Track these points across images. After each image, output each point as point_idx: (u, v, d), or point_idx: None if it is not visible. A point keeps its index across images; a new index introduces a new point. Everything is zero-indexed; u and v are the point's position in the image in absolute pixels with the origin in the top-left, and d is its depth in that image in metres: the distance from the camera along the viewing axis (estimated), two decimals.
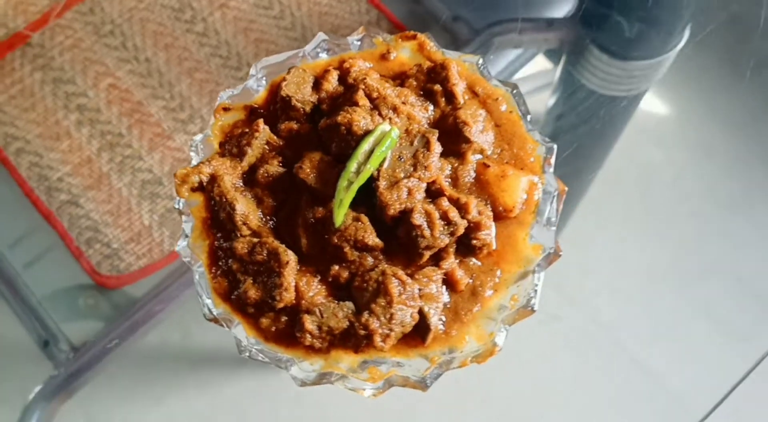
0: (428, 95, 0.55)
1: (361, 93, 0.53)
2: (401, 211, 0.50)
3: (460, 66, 0.57)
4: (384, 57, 0.58)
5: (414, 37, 0.58)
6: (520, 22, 0.92)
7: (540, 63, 1.01)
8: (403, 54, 0.58)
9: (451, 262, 0.52)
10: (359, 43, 0.59)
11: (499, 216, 0.54)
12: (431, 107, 0.55)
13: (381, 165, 0.51)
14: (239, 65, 0.91)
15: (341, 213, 0.50)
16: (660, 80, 0.95)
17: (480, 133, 0.54)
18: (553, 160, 0.56)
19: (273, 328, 0.52)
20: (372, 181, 0.51)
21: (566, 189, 0.56)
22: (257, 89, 0.57)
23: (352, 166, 0.50)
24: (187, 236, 0.54)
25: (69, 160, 0.88)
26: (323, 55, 0.59)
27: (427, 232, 0.50)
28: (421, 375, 0.52)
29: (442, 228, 0.50)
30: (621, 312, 0.89)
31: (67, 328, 0.84)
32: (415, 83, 0.56)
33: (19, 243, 0.87)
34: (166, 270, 0.86)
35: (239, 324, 0.52)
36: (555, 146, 0.56)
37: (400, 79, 0.57)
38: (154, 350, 0.86)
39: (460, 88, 0.55)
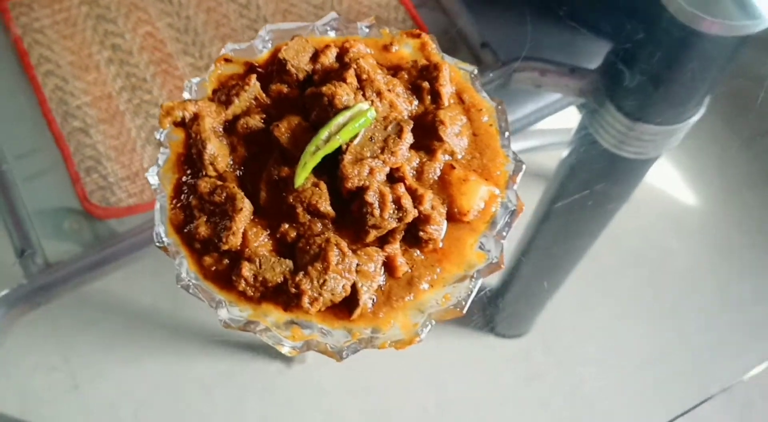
0: (416, 90, 0.58)
1: (351, 71, 0.56)
2: (358, 187, 0.53)
3: (453, 72, 0.60)
4: (386, 48, 0.61)
5: (418, 36, 0.61)
6: (543, 62, 0.94)
7: (570, 119, 1.03)
8: (405, 49, 0.61)
9: (395, 248, 0.54)
10: (368, 30, 0.62)
11: (453, 218, 0.56)
12: (416, 102, 0.58)
13: (352, 140, 0.54)
14: None
15: (303, 175, 0.53)
16: (677, 154, 0.96)
17: (455, 135, 0.57)
18: (519, 178, 0.58)
19: (213, 268, 0.54)
20: (339, 153, 0.53)
21: (524, 207, 0.58)
22: (261, 50, 0.61)
23: (324, 133, 0.53)
24: (159, 166, 0.57)
25: (91, 92, 0.92)
26: (331, 34, 0.62)
27: (376, 211, 0.52)
28: (340, 347, 0.54)
29: (392, 212, 0.52)
30: (606, 387, 0.88)
31: (46, 244, 0.87)
32: (406, 76, 0.59)
33: (25, 157, 0.91)
34: (153, 214, 0.89)
35: (184, 258, 0.55)
36: (524, 165, 0.58)
37: (394, 70, 0.59)
38: (143, 310, 0.88)
39: (446, 90, 0.57)
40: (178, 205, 0.56)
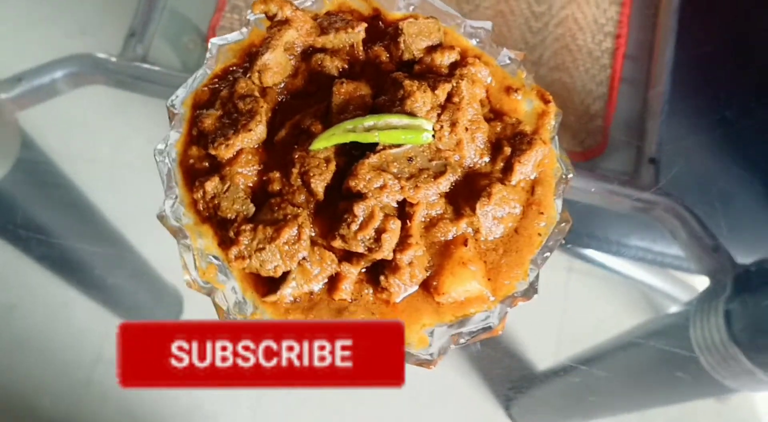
0: (496, 149, 0.50)
1: (446, 86, 0.49)
2: (357, 191, 0.47)
3: (548, 159, 0.51)
4: (508, 90, 0.53)
5: (547, 102, 0.52)
6: (694, 217, 0.82)
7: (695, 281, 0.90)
8: (525, 104, 0.53)
9: (351, 271, 0.48)
10: (509, 61, 0.54)
11: (427, 288, 0.48)
12: (487, 159, 0.50)
13: (389, 147, 0.47)
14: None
15: (322, 143, 0.47)
16: None
17: (493, 218, 0.49)
18: (520, 303, 0.50)
19: (192, 161, 0.51)
20: (368, 147, 0.47)
21: (500, 332, 0.50)
22: (400, 8, 0.55)
23: (368, 121, 0.47)
24: (228, 41, 0.54)
25: None
26: (473, 41, 0.54)
27: (353, 226, 0.46)
28: (233, 313, 0.49)
29: (366, 238, 0.46)
30: None
31: (157, 42, 0.88)
32: (498, 129, 0.51)
33: None
34: None
35: (179, 132, 0.52)
36: (536, 296, 0.50)
37: (495, 115, 0.52)
38: None
39: (522, 170, 0.49)
40: (213, 86, 0.52)
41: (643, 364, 0.84)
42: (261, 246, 0.47)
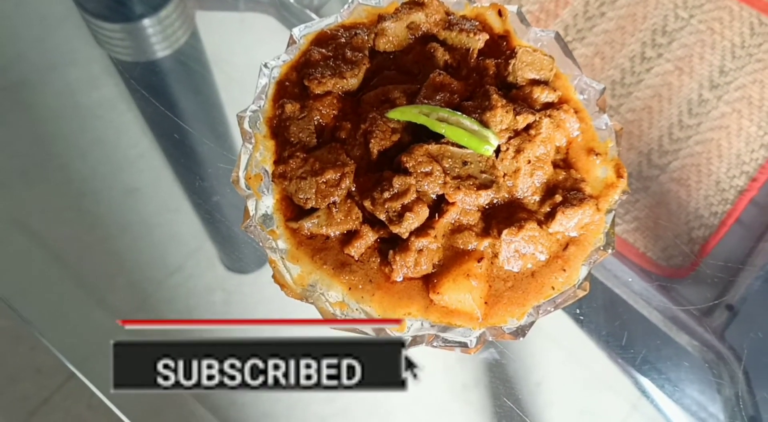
0: (549, 191, 0.51)
1: (529, 117, 0.51)
2: (404, 167, 0.49)
3: (595, 226, 0.51)
4: (590, 151, 0.53)
5: (620, 177, 0.53)
6: (743, 376, 0.77)
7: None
8: (599, 171, 0.53)
9: (368, 232, 0.50)
10: (604, 128, 0.55)
11: (428, 283, 0.50)
12: (537, 198, 0.51)
13: (451, 143, 0.50)
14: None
15: (397, 115, 0.51)
16: None
17: (514, 250, 0.50)
18: (498, 339, 0.51)
19: (287, 84, 0.55)
20: (434, 136, 0.50)
21: (473, 353, 0.51)
22: (529, 39, 0.57)
23: (442, 112, 0.49)
24: (369, 1, 0.58)
25: None
26: (580, 96, 0.56)
27: (385, 194, 0.49)
28: (257, 220, 0.53)
29: (391, 210, 0.49)
30: None
31: (334, 1, 0.95)
32: (560, 178, 0.52)
33: None
34: None
35: (290, 57, 0.57)
36: (521, 339, 0.50)
37: (565, 166, 0.53)
38: None
39: (563, 222, 0.50)
40: (336, 32, 0.57)
41: None
42: (303, 175, 0.50)
